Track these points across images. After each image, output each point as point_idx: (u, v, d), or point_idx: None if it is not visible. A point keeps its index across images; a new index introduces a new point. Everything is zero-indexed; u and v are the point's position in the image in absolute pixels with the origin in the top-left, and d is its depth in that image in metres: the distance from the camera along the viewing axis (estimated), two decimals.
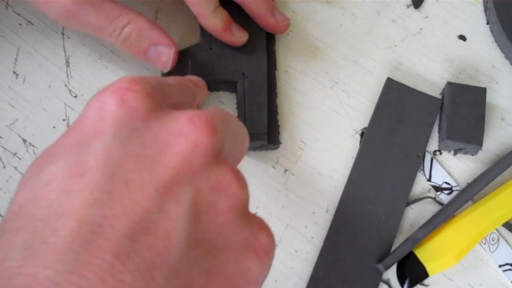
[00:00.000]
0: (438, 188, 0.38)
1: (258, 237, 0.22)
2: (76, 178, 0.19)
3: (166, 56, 0.35)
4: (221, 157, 0.22)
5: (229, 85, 0.38)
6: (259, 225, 0.23)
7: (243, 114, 0.37)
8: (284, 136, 0.39)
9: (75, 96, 0.39)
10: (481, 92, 0.38)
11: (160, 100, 0.23)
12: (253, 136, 0.36)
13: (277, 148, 0.38)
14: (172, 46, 0.35)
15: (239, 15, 0.38)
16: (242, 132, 0.26)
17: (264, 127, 0.37)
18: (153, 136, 0.21)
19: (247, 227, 0.22)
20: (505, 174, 0.38)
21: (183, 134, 0.21)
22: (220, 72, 0.37)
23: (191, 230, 0.20)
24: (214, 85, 0.38)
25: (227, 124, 0.24)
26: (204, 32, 0.38)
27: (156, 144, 0.21)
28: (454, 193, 0.37)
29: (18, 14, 0.40)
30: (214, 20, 0.36)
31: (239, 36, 0.37)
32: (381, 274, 0.35)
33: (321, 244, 0.36)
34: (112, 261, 0.17)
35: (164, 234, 0.19)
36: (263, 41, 0.39)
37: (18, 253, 0.17)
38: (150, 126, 0.21)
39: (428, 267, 0.35)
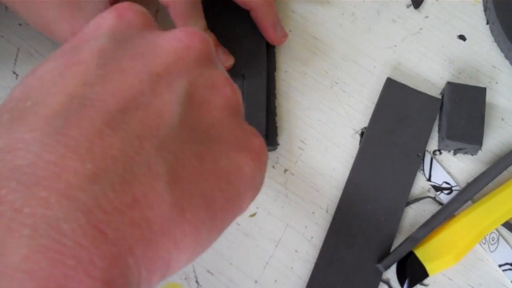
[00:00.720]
0: (438, 188, 0.38)
1: (252, 140, 0.23)
2: (70, 67, 0.19)
3: None
4: (214, 63, 0.23)
5: None
6: (252, 131, 0.23)
7: None
8: (284, 136, 0.39)
9: None
10: (481, 92, 0.38)
11: (155, 24, 0.23)
12: None
13: (275, 149, 0.38)
14: None
15: (238, 21, 0.38)
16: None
17: (262, 129, 0.37)
18: (147, 41, 0.21)
19: (240, 128, 0.22)
20: (505, 174, 0.38)
21: (177, 38, 0.22)
22: None
23: (185, 114, 0.20)
24: None
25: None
26: None
27: (150, 46, 0.21)
28: (454, 193, 0.37)
29: None
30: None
31: (224, 61, 0.37)
32: (381, 274, 0.35)
33: (321, 244, 0.36)
34: (102, 127, 0.17)
35: (156, 112, 0.19)
36: (263, 44, 0.39)
37: (7, 121, 0.18)
38: (145, 35, 0.22)
39: (428, 267, 0.35)
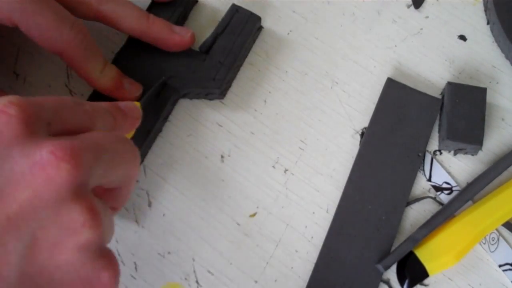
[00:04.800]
0: (438, 188, 0.38)
1: (100, 276, 0.22)
2: None
3: None
4: (79, 193, 0.21)
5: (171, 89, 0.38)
6: (104, 265, 0.23)
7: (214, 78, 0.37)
8: (284, 136, 0.39)
9: (75, 96, 0.39)
10: (481, 92, 0.38)
11: (36, 127, 0.22)
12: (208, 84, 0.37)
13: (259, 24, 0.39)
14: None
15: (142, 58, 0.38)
16: (126, 160, 0.26)
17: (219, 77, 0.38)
18: (11, 166, 0.20)
19: (90, 266, 0.22)
20: (505, 174, 0.38)
21: (41, 165, 0.20)
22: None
23: (25, 265, 0.20)
24: (193, 94, 0.39)
25: (102, 153, 0.23)
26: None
27: (11, 175, 0.20)
28: (454, 193, 0.37)
29: None
30: (103, 80, 0.35)
31: (133, 91, 0.36)
32: (381, 274, 0.35)
33: (321, 244, 0.36)
34: None
35: None
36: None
37: None
38: (12, 154, 0.21)
39: (428, 267, 0.35)
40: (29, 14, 0.30)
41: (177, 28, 0.37)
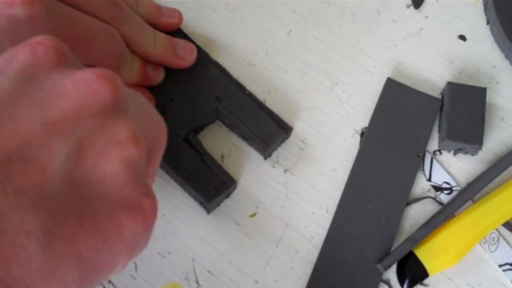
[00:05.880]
0: (438, 188, 0.38)
1: (141, 201, 0.22)
2: None
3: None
4: (121, 113, 0.22)
5: (202, 120, 0.38)
6: (146, 192, 0.22)
7: (249, 129, 0.37)
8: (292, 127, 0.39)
9: None
10: (481, 92, 0.38)
11: (71, 59, 0.22)
12: (273, 137, 0.37)
13: (291, 132, 0.38)
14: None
15: None
16: (154, 121, 0.26)
17: (273, 124, 0.37)
18: (52, 83, 0.21)
19: (133, 187, 0.22)
20: (505, 174, 0.38)
21: (84, 81, 0.21)
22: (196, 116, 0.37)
23: (71, 169, 0.20)
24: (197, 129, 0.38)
25: (137, 101, 0.24)
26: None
27: (54, 89, 0.21)
28: (454, 193, 0.37)
29: None
30: (132, 77, 0.36)
31: (157, 77, 0.37)
32: (381, 274, 0.35)
33: (321, 244, 0.36)
34: None
35: (40, 166, 0.19)
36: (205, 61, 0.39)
37: None
38: (53, 76, 0.21)
39: (428, 267, 0.35)
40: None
41: (181, 48, 0.38)
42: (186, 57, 0.38)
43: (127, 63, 0.35)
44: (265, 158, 0.38)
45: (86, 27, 0.31)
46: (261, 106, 0.38)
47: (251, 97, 0.38)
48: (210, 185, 0.35)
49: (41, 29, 0.28)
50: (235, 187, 0.37)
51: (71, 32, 0.30)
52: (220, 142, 0.38)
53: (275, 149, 0.38)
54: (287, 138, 0.38)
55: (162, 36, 0.37)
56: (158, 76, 0.37)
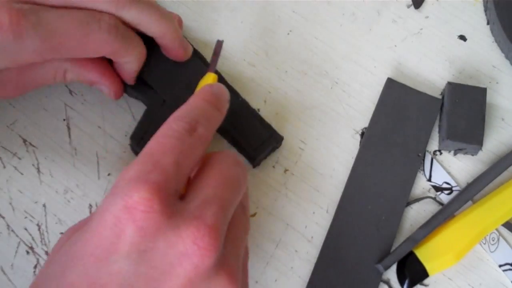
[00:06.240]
0: (438, 188, 0.38)
1: None
2: None
3: (107, 91, 0.37)
4: (220, 264, 0.25)
5: None
6: None
7: (240, 136, 0.37)
8: (284, 136, 0.39)
9: (75, 96, 0.39)
10: (481, 92, 0.38)
11: (170, 204, 0.25)
12: (263, 146, 0.37)
13: (281, 142, 0.38)
14: (109, 85, 0.36)
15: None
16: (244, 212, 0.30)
17: (265, 133, 0.37)
18: (160, 258, 0.24)
19: None
20: (505, 174, 0.38)
21: (187, 255, 0.24)
22: None
23: None
24: None
25: (229, 207, 0.27)
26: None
27: (162, 266, 0.24)
28: (454, 193, 0.37)
29: None
30: (182, 50, 0.37)
31: (188, 52, 0.38)
32: (381, 274, 0.35)
33: (321, 244, 0.36)
34: None
35: None
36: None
37: None
38: (158, 246, 0.24)
39: (428, 267, 0.35)
40: (56, 47, 0.31)
41: (184, 44, 0.37)
42: (186, 48, 0.37)
43: (133, 45, 0.34)
44: (254, 167, 0.38)
45: (76, 22, 0.31)
46: (253, 114, 0.38)
47: (244, 104, 0.38)
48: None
49: (32, 43, 0.29)
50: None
51: (63, 34, 0.30)
52: (218, 141, 0.38)
53: (264, 158, 0.38)
54: (277, 147, 0.38)
55: (171, 14, 0.37)
56: (189, 52, 0.38)
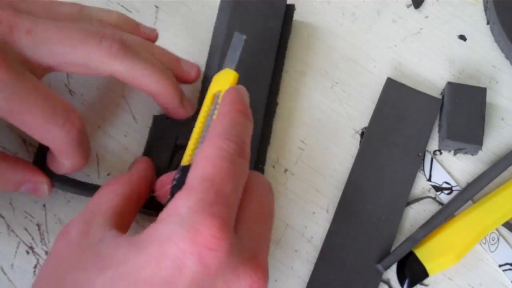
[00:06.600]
0: (438, 188, 0.38)
1: None
2: None
3: (42, 189, 0.34)
4: None
5: None
6: None
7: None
8: (284, 136, 0.39)
9: (75, 96, 0.39)
10: (481, 92, 0.38)
11: (235, 241, 0.25)
12: None
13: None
14: (39, 181, 0.33)
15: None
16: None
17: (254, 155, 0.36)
18: None
19: None
20: (505, 174, 0.38)
21: None
22: None
23: None
24: None
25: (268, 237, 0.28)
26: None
27: None
28: (454, 193, 0.37)
29: None
30: (183, 110, 0.35)
31: (189, 111, 0.36)
32: (381, 274, 0.35)
33: (321, 244, 0.36)
34: None
35: None
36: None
37: None
38: (217, 285, 0.24)
39: (428, 267, 0.35)
40: (16, 113, 0.28)
41: (185, 101, 0.35)
42: (189, 70, 0.36)
43: (82, 154, 0.32)
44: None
45: (47, 104, 0.29)
46: (264, 136, 0.37)
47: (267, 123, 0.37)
48: None
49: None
50: None
51: (26, 105, 0.29)
52: None
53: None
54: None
55: (161, 50, 0.35)
56: (190, 112, 0.36)
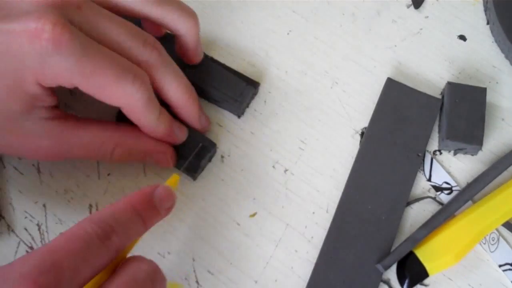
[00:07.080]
0: (438, 188, 0.38)
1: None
2: None
3: (165, 161, 0.36)
4: None
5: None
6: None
7: (218, 92, 0.38)
8: (284, 136, 0.39)
9: (75, 96, 0.39)
10: (481, 92, 0.38)
11: None
12: (243, 95, 0.38)
13: (259, 87, 0.39)
14: (165, 151, 0.35)
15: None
16: None
17: (241, 82, 0.38)
18: None
19: None
20: (505, 174, 0.38)
21: None
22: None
23: None
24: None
25: None
26: None
27: None
28: (454, 193, 0.37)
29: None
30: (159, 129, 0.34)
31: (181, 136, 0.36)
32: (381, 274, 0.35)
33: (321, 244, 0.36)
34: None
35: None
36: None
37: None
38: None
39: (428, 267, 0.35)
40: (88, 75, 0.29)
41: (202, 117, 0.37)
42: (201, 50, 0.38)
43: (154, 114, 0.33)
44: (239, 117, 0.39)
45: (114, 62, 0.30)
46: (225, 68, 0.39)
47: (214, 60, 0.39)
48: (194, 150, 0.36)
49: (67, 59, 0.28)
50: (215, 151, 0.38)
51: (97, 65, 0.29)
52: (220, 142, 0.38)
53: (247, 106, 0.39)
54: (256, 93, 0.39)
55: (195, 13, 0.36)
56: (182, 137, 0.36)
